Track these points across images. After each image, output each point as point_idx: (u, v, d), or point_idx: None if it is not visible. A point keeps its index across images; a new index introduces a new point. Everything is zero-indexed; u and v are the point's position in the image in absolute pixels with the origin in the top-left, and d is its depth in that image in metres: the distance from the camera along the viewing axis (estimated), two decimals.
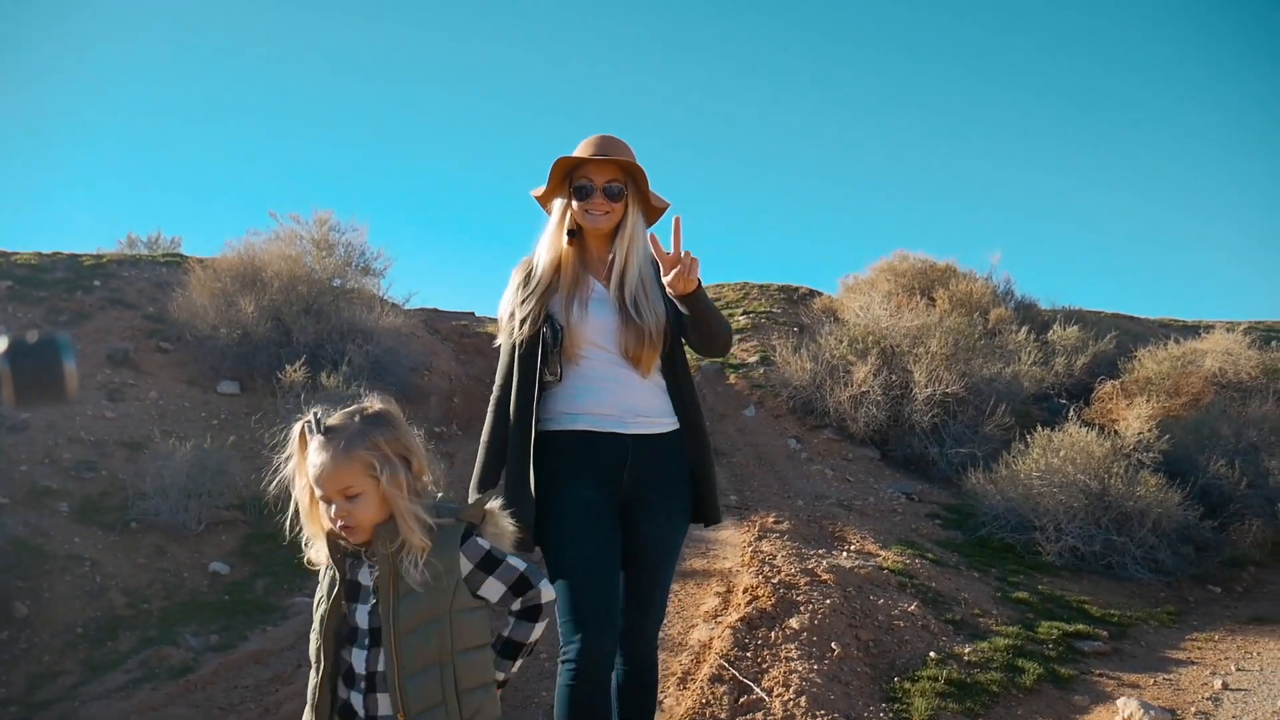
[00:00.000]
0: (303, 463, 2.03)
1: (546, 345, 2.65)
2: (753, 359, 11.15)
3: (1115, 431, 7.82)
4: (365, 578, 2.05)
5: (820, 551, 5.97)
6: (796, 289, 14.28)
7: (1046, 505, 6.89)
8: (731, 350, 3.02)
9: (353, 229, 10.94)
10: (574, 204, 2.76)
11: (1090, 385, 9.95)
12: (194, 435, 7.24)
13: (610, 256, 2.79)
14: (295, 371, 8.15)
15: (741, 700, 4.15)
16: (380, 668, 1.97)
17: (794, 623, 4.80)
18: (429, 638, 1.95)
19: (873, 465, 8.76)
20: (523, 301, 2.71)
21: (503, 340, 2.77)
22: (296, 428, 2.05)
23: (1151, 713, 4.09)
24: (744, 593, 5.24)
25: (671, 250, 2.59)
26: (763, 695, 4.15)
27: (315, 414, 2.04)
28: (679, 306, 2.66)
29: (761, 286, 14.37)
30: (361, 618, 2.02)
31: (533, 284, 2.73)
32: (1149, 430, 7.70)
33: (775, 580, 5.30)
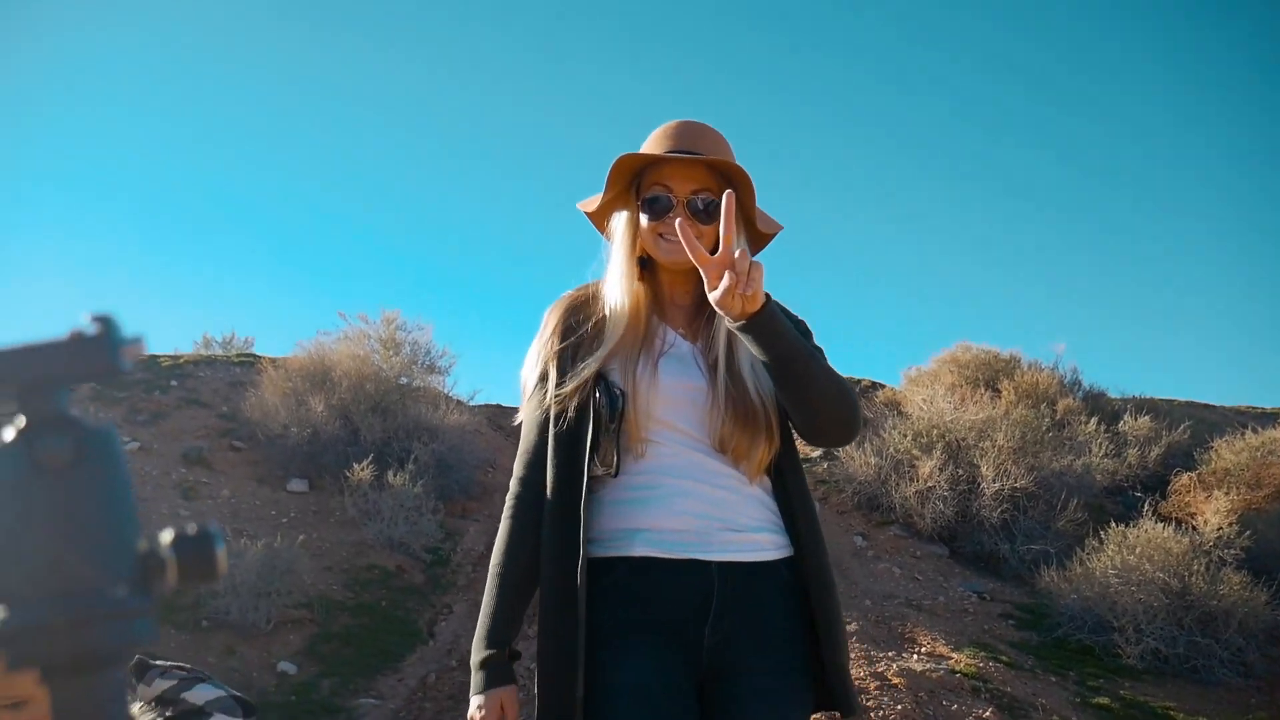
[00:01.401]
0: None
1: (599, 420, 1.79)
2: (816, 454, 11.08)
3: (1193, 527, 7.59)
4: None
5: (890, 654, 5.83)
6: (859, 381, 14.23)
7: (1125, 605, 6.68)
8: (859, 424, 1.86)
9: (418, 327, 11.20)
10: (643, 222, 1.88)
11: (1165, 477, 9.69)
12: (264, 534, 7.36)
13: (692, 300, 1.94)
14: (363, 470, 8.28)
15: None
16: None
17: None
18: None
19: (941, 563, 8.59)
20: (574, 356, 1.85)
21: (527, 414, 1.91)
22: None
23: None
24: None
25: (721, 244, 1.68)
26: None
27: None
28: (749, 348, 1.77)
29: None
30: None
31: (585, 330, 1.88)
32: (1229, 525, 7.46)
33: None
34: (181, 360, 11.34)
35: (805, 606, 1.83)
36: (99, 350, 0.56)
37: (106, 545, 0.55)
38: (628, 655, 1.73)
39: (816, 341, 1.94)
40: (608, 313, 1.88)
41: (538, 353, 1.91)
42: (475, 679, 1.76)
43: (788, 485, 1.87)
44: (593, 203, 1.95)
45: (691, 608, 1.75)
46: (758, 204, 1.91)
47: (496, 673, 1.76)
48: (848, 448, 9.53)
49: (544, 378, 1.87)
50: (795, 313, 1.97)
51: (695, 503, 1.78)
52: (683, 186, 1.84)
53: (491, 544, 1.88)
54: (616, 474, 1.79)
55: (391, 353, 10.70)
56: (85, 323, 0.57)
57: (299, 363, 10.00)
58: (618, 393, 1.79)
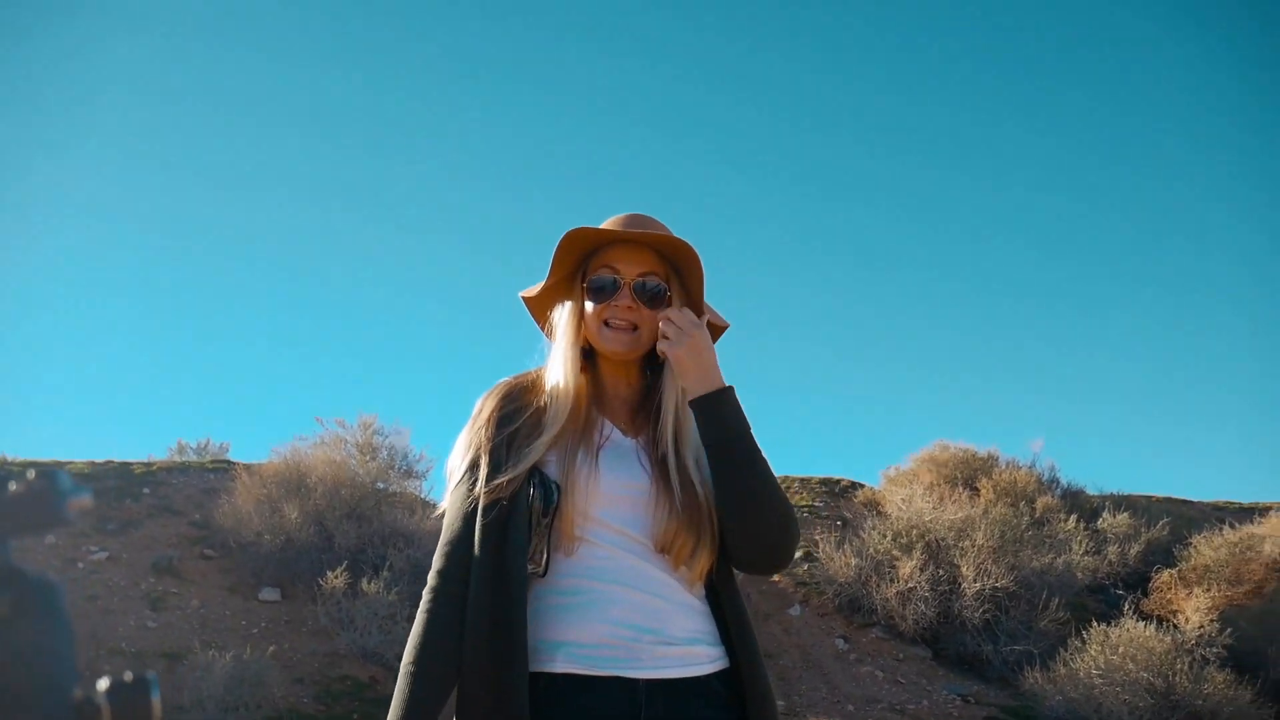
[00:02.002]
0: None
1: (533, 515, 1.67)
2: (796, 555, 10.98)
3: (1175, 625, 7.56)
4: None
5: None
6: (838, 481, 14.21)
7: (1110, 706, 6.60)
8: (793, 554, 1.73)
9: (396, 431, 11.14)
10: (588, 309, 1.79)
11: (1146, 574, 9.68)
12: (234, 645, 7.20)
13: (634, 394, 1.85)
14: (336, 578, 8.15)
15: None
16: None
17: None
18: None
19: (924, 665, 8.47)
20: (508, 445, 1.72)
21: (452, 503, 1.76)
22: None
23: None
24: None
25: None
26: None
27: None
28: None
29: (802, 479, 14.32)
30: None
31: (522, 420, 1.76)
32: (1211, 622, 7.44)
33: None
34: (154, 467, 11.22)
35: None
36: (45, 503, 0.58)
37: (44, 697, 0.56)
38: None
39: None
40: (548, 401, 1.77)
41: (468, 440, 1.78)
42: None
43: (721, 594, 1.74)
44: (536, 289, 1.86)
45: None
46: (707, 300, 1.84)
47: None
48: (827, 549, 9.48)
49: (474, 466, 1.73)
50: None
51: (622, 610, 1.64)
52: (630, 269, 1.77)
53: None
54: (545, 574, 1.66)
55: (368, 458, 10.63)
56: (31, 477, 0.58)
57: (274, 469, 9.91)
58: (553, 486, 1.67)
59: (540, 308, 1.90)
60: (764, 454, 1.71)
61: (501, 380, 1.87)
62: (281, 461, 10.10)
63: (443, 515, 1.79)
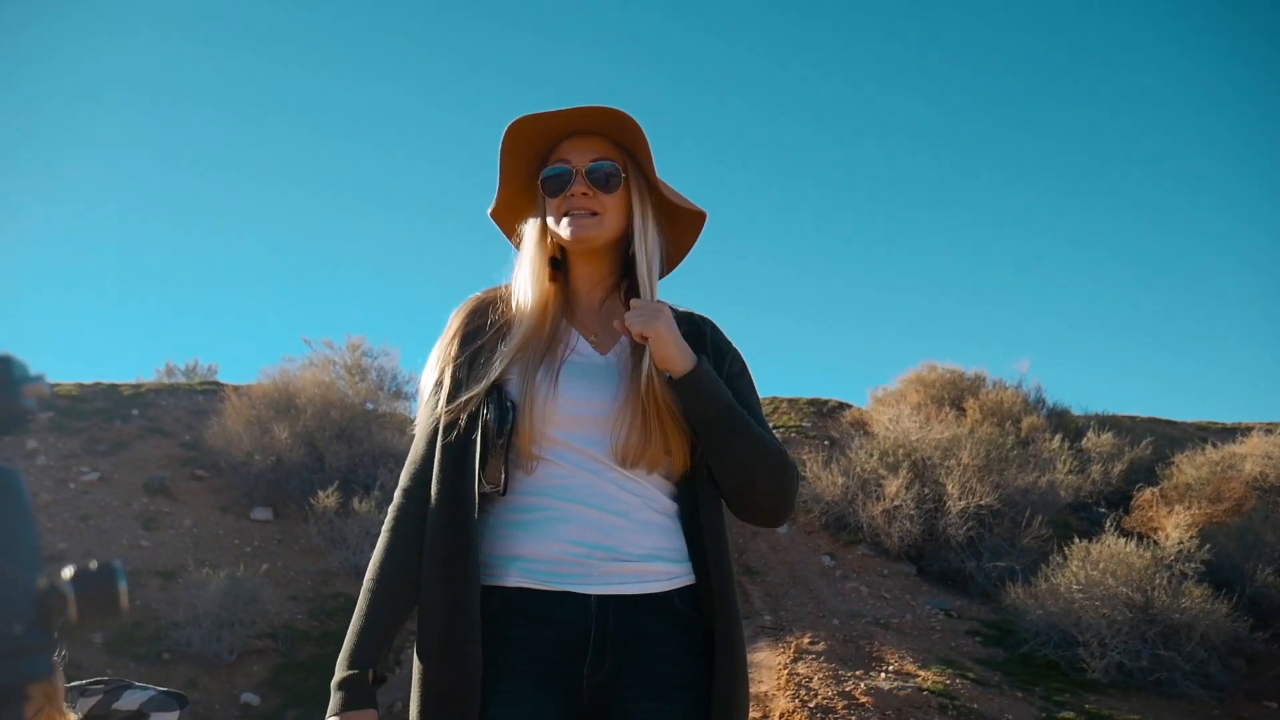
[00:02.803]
0: None
1: (487, 433, 1.65)
2: None
3: (1156, 541, 7.68)
4: None
5: (858, 673, 5.84)
6: (826, 402, 14.28)
7: (1089, 620, 6.73)
8: (793, 503, 1.82)
9: (384, 353, 11.15)
10: (548, 208, 1.76)
11: (1129, 493, 9.80)
12: (227, 563, 7.28)
13: (608, 298, 1.82)
14: (328, 497, 8.21)
15: None
16: None
17: None
18: None
19: (909, 581, 8.62)
20: (471, 362, 1.72)
21: (419, 421, 1.77)
22: None
23: None
24: (780, 718, 5.13)
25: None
26: None
27: None
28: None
29: (791, 400, 14.39)
30: None
31: (488, 335, 1.74)
32: (1190, 539, 7.55)
33: (812, 704, 5.19)
34: (143, 389, 11.21)
35: (709, 642, 1.66)
36: None
37: (2, 585, 0.55)
38: (500, 702, 1.58)
39: (750, 378, 1.86)
40: (516, 307, 1.76)
41: (436, 357, 1.77)
42: (333, 700, 1.59)
43: (701, 511, 1.70)
44: (496, 202, 1.82)
45: (569, 645, 1.60)
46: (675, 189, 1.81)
47: (356, 694, 1.60)
48: (814, 468, 9.57)
49: (439, 385, 1.73)
50: (731, 341, 1.88)
51: (577, 529, 1.63)
52: (581, 158, 1.73)
53: None
54: (504, 492, 1.65)
55: (357, 379, 10.64)
56: None
57: (263, 390, 9.91)
58: (509, 405, 1.65)
59: (510, 224, 1.86)
60: (746, 417, 1.70)
61: (473, 295, 1.84)
62: (270, 383, 10.10)
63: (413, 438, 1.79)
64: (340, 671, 1.61)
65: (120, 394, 10.86)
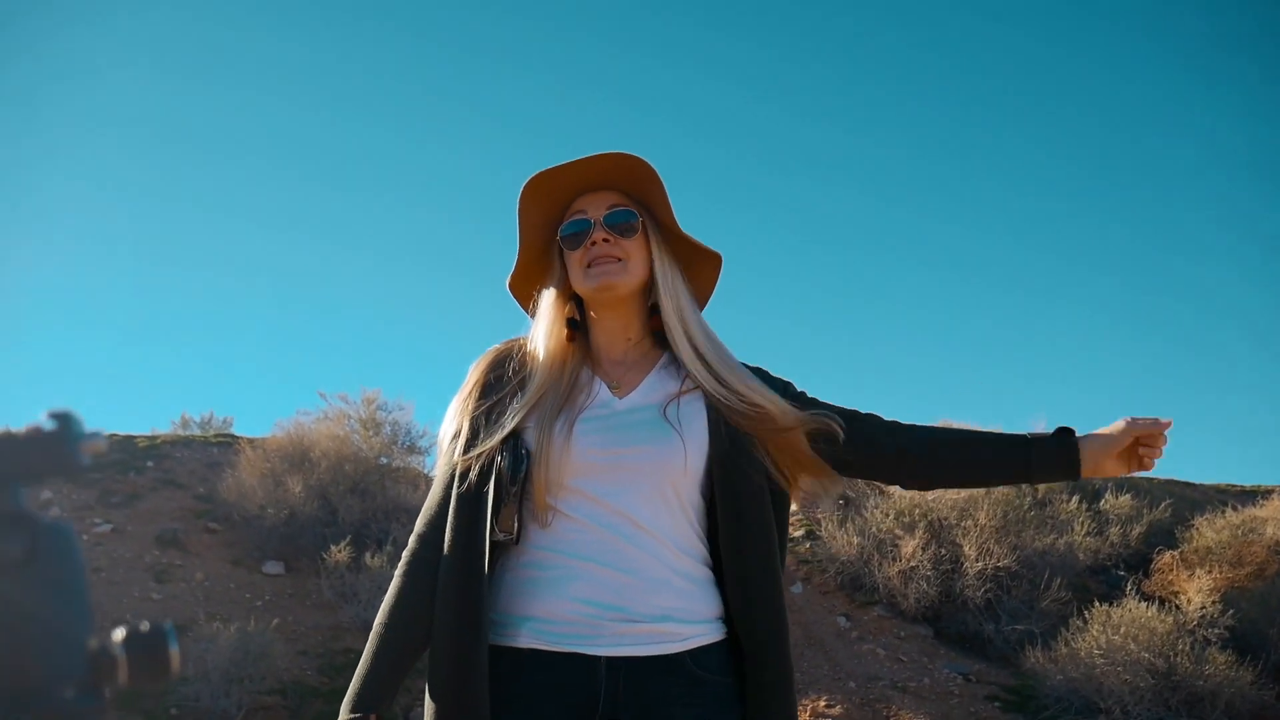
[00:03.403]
0: None
1: (501, 481, 1.62)
2: (799, 533, 11.01)
3: (1177, 605, 7.56)
4: None
5: None
6: None
7: (1111, 686, 6.61)
8: None
9: (399, 407, 11.15)
10: (570, 262, 1.75)
11: (1148, 556, 9.67)
12: (238, 617, 7.23)
13: (635, 351, 1.80)
14: (340, 551, 8.17)
15: None
16: None
17: None
18: None
19: (926, 644, 8.49)
20: (489, 414, 1.70)
21: (438, 471, 1.78)
22: None
23: None
24: None
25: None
26: None
27: None
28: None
29: None
30: None
31: (508, 386, 1.73)
32: (1213, 604, 7.44)
33: None
34: (158, 440, 11.23)
35: (729, 702, 1.62)
36: (57, 446, 0.56)
37: (57, 645, 0.55)
38: None
39: (800, 389, 1.83)
40: (533, 360, 1.74)
41: (455, 409, 1.75)
42: None
43: (745, 553, 1.64)
44: (515, 268, 1.82)
45: (577, 707, 1.56)
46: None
47: None
48: (829, 527, 9.50)
49: (457, 435, 1.72)
50: (779, 375, 1.86)
51: (588, 587, 1.59)
52: (597, 209, 1.73)
53: None
54: (518, 541, 1.62)
55: (371, 433, 10.64)
56: (43, 419, 0.57)
57: (277, 443, 9.92)
58: (524, 453, 1.63)
59: (526, 294, 1.85)
60: None
61: (492, 347, 1.84)
62: (285, 436, 10.11)
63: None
64: (344, 714, 1.61)
65: (135, 446, 10.89)
